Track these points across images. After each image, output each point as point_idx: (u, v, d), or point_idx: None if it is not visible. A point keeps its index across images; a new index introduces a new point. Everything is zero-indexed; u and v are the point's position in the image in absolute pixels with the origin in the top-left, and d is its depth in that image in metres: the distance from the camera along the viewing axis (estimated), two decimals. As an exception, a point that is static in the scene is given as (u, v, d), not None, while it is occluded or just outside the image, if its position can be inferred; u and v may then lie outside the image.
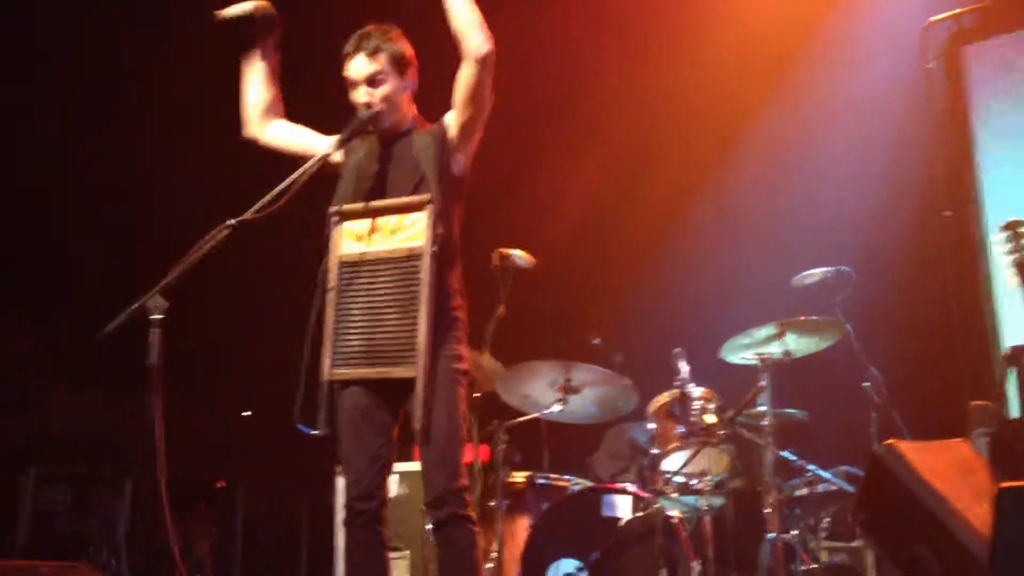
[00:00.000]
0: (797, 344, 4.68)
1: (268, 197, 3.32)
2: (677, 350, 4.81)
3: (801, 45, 5.93)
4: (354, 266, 3.26)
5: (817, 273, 4.77)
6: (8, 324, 5.99)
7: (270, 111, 3.49)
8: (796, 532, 4.67)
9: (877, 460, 3.20)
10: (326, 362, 3.23)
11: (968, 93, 5.31)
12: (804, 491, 4.79)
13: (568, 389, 4.74)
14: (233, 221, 3.19)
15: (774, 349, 4.64)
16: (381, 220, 3.25)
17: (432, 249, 3.12)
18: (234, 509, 6.79)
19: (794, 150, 5.92)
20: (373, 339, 3.17)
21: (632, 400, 4.83)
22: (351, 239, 3.29)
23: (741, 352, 4.72)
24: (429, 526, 3.36)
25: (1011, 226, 3.31)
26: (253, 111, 3.49)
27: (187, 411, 6.18)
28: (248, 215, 3.27)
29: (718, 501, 4.82)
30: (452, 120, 3.28)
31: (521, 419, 4.91)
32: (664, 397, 4.82)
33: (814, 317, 4.59)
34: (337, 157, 3.36)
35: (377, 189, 3.31)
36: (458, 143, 3.28)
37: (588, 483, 4.83)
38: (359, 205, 3.29)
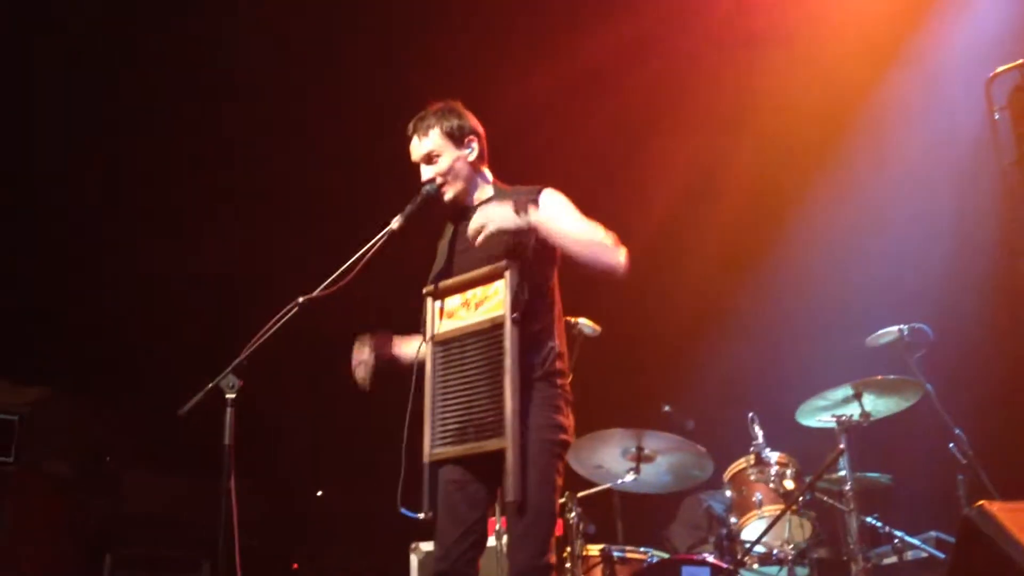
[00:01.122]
0: (875, 405, 4.55)
1: (336, 275, 3.40)
2: (751, 414, 4.71)
3: (867, 100, 5.90)
4: (446, 344, 3.24)
5: (892, 331, 4.65)
6: (86, 410, 6.12)
7: None
8: (886, 603, 4.49)
9: (968, 523, 3.06)
10: (426, 443, 3.19)
11: (1037, 142, 5.20)
12: (892, 559, 4.61)
13: (641, 457, 4.64)
14: (302, 299, 3.25)
15: (852, 410, 4.51)
16: (468, 294, 3.25)
17: (512, 316, 3.06)
18: (308, 590, 6.77)
19: (862, 206, 5.85)
20: (466, 415, 3.12)
21: (707, 467, 4.71)
22: (441, 317, 3.29)
23: (817, 415, 4.60)
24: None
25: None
26: None
27: (261, 492, 6.24)
28: (316, 293, 3.33)
29: (802, 572, 4.65)
30: (551, 212, 3.20)
31: (593, 490, 4.83)
32: (740, 463, 4.72)
33: (891, 376, 4.47)
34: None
35: (468, 262, 3.29)
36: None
37: (665, 555, 4.71)
38: (447, 282, 3.30)
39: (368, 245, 3.37)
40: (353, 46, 6.11)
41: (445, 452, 3.14)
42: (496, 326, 3.11)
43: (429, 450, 3.17)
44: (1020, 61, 5.32)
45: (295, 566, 6.76)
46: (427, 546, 4.98)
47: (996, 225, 5.31)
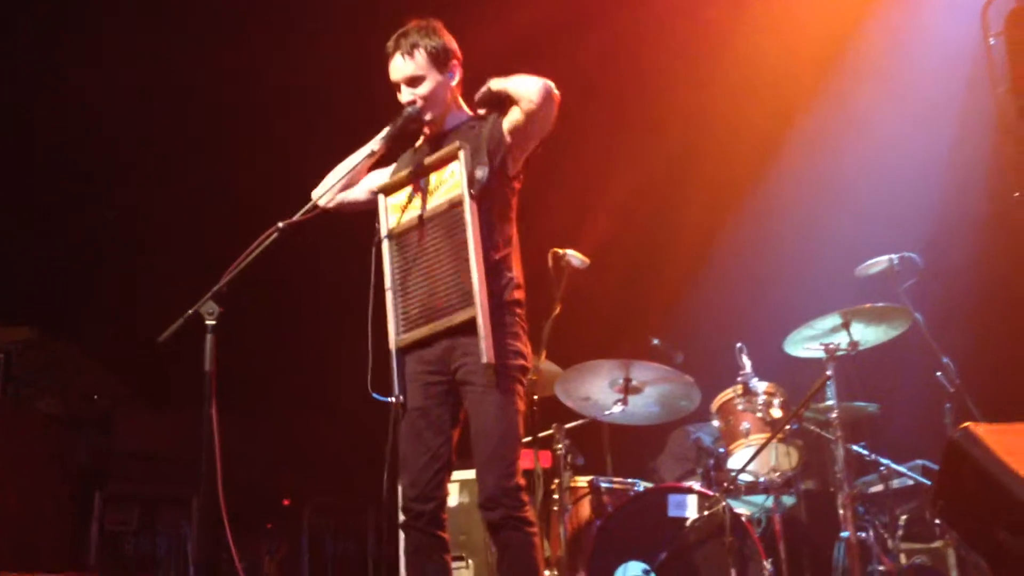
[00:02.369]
0: (863, 334, 4.53)
1: (315, 199, 3.36)
2: (739, 345, 4.69)
3: (857, 24, 5.81)
4: (403, 236, 3.25)
5: (882, 261, 4.62)
6: (76, 348, 6.08)
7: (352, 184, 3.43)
8: (872, 531, 4.50)
9: (954, 445, 3.04)
10: (391, 331, 3.21)
11: (1032, 69, 5.11)
12: (879, 487, 4.63)
13: (628, 389, 4.64)
14: (282, 224, 3.20)
15: (839, 339, 4.49)
16: (421, 183, 3.24)
17: (470, 191, 3.08)
18: (300, 527, 6.79)
19: (853, 133, 5.79)
20: (431, 296, 3.14)
21: (695, 398, 4.72)
22: (396, 212, 3.29)
23: (805, 344, 4.58)
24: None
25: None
26: (339, 188, 3.38)
27: (252, 428, 6.24)
28: (296, 217, 3.27)
29: (789, 500, 4.68)
30: (508, 125, 3.22)
31: (581, 421, 4.83)
32: (727, 393, 4.71)
33: (880, 304, 4.44)
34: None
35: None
36: (511, 145, 3.23)
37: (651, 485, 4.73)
38: (398, 176, 3.30)
39: (348, 170, 3.33)
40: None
41: (412, 336, 3.17)
42: (454, 205, 3.15)
43: (395, 337, 3.19)
44: (1017, -14, 5.22)
45: (286, 502, 6.78)
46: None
47: (988, 153, 5.25)
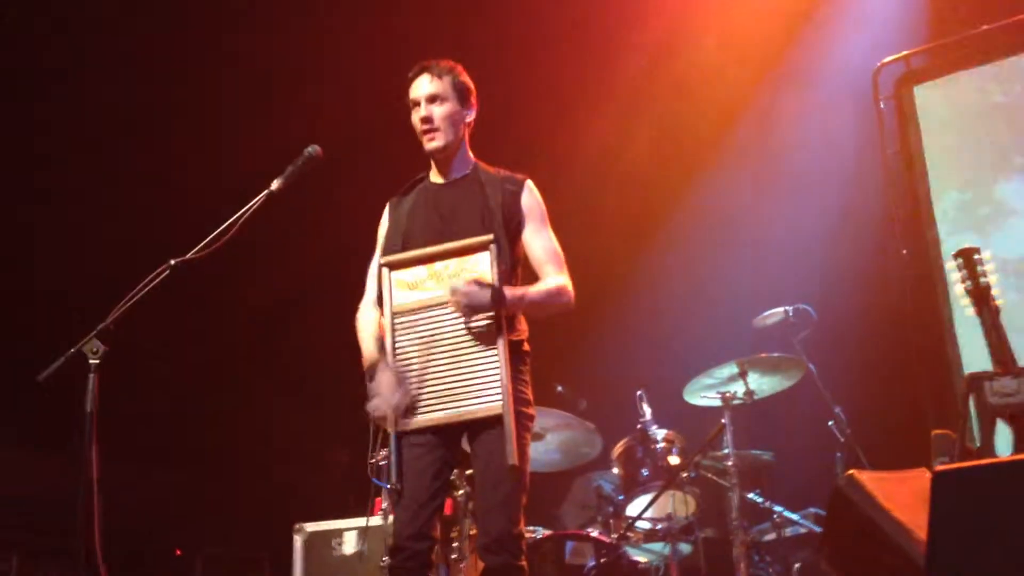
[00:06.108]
0: (759, 383, 4.63)
1: (210, 237, 3.28)
2: (639, 392, 4.75)
3: (756, 87, 5.99)
4: (408, 315, 3.14)
5: (777, 312, 4.75)
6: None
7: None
8: (766, 578, 4.56)
9: (838, 492, 3.11)
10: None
11: (919, 131, 5.36)
12: (772, 535, 4.69)
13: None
14: (174, 261, 3.13)
15: (736, 388, 4.59)
16: (438, 266, 3.16)
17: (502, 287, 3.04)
18: (192, 578, 6.57)
19: (751, 191, 5.94)
20: (446, 383, 3.06)
21: (596, 445, 4.74)
22: (403, 288, 3.18)
23: (703, 392, 4.66)
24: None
25: (961, 254, 3.29)
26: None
27: (142, 476, 6.03)
28: (189, 255, 3.20)
29: (686, 548, 4.70)
30: (529, 214, 3.24)
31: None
32: (627, 441, 4.74)
33: (775, 354, 4.56)
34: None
35: (444, 230, 3.21)
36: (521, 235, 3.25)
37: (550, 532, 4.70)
38: (410, 254, 3.20)
39: (246, 208, 3.26)
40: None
41: (420, 421, 3.07)
42: None
43: (399, 420, 3.06)
44: (905, 52, 5.50)
45: (178, 552, 6.55)
46: (311, 526, 4.87)
47: (878, 212, 5.46)
